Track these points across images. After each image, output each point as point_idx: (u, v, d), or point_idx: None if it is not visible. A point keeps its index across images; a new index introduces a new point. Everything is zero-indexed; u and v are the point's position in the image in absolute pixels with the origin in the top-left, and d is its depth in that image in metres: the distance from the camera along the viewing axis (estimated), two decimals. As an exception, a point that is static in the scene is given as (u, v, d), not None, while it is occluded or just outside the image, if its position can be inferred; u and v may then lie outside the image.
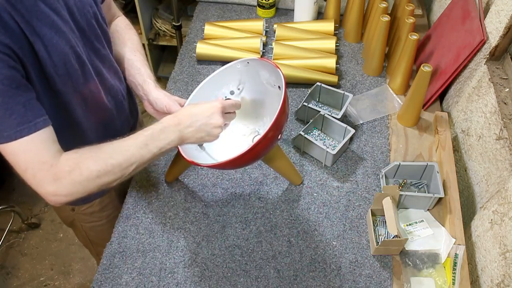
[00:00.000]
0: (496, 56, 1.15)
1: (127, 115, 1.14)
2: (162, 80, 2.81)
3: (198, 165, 0.94)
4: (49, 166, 0.78)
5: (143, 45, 2.45)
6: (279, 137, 0.94)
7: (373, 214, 1.08)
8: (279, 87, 0.99)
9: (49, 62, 0.80)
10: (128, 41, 1.09)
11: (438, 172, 1.11)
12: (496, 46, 1.14)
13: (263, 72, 1.02)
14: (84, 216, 1.19)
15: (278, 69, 0.94)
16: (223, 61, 1.47)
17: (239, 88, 1.07)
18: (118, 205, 1.21)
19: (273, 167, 1.11)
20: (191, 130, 0.88)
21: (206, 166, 0.93)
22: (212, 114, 0.88)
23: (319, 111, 1.24)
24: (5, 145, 0.75)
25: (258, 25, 1.53)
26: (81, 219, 1.20)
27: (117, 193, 1.22)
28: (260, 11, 1.65)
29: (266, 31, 1.56)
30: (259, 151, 0.91)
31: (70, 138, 0.87)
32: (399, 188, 1.10)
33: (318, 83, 1.32)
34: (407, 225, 1.09)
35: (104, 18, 0.97)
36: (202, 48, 1.45)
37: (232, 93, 1.07)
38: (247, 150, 0.87)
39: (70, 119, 0.92)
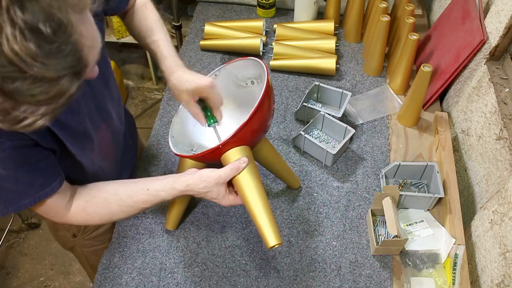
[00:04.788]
0: (496, 56, 1.15)
1: (129, 149, 1.15)
2: (162, 80, 2.81)
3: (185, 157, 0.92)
4: (62, 215, 0.87)
5: (143, 45, 2.45)
6: (267, 123, 0.90)
7: (373, 214, 1.08)
8: (252, 82, 1.00)
9: (67, 140, 0.82)
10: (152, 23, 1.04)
11: (438, 172, 1.11)
12: (496, 46, 1.14)
13: (234, 74, 1.01)
14: (86, 241, 1.18)
15: (245, 60, 0.95)
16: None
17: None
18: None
19: (271, 169, 1.10)
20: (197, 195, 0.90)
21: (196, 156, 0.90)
22: (207, 192, 0.88)
23: (319, 111, 1.24)
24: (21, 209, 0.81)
25: (258, 25, 1.53)
26: (83, 244, 1.19)
27: None
28: (260, 11, 1.65)
29: (266, 31, 1.55)
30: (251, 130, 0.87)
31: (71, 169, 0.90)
32: (399, 188, 1.10)
33: (316, 82, 1.32)
34: (407, 225, 1.09)
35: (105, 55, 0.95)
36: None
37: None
38: (235, 132, 0.84)
39: (75, 163, 0.93)
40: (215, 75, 1.02)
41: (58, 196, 0.82)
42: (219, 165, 0.89)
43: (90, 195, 0.88)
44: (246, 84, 1.02)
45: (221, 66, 1.02)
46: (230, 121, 1.02)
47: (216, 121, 0.97)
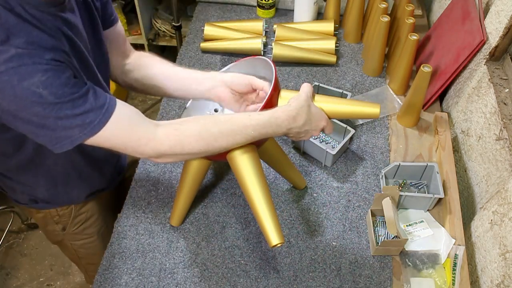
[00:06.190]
0: (496, 56, 1.15)
1: None
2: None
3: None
4: (147, 140, 0.78)
5: (143, 45, 2.46)
6: None
7: (373, 215, 1.08)
8: None
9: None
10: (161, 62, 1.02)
11: (438, 173, 1.11)
12: (496, 47, 1.14)
13: (243, 72, 1.01)
14: (74, 235, 1.18)
15: (253, 58, 0.96)
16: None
17: (221, 105, 1.05)
18: (107, 218, 1.21)
19: (277, 169, 1.10)
20: (298, 128, 0.87)
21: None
22: (322, 118, 0.90)
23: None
24: (98, 135, 0.75)
25: (258, 25, 1.53)
26: (71, 238, 1.19)
27: (105, 206, 1.21)
28: (260, 12, 1.65)
29: (266, 32, 1.55)
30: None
31: None
32: (399, 188, 1.10)
33: (316, 83, 1.32)
34: (407, 226, 1.09)
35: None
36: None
37: (216, 110, 1.06)
38: None
39: None
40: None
41: (125, 113, 0.76)
42: (224, 163, 0.89)
43: (179, 120, 0.83)
44: None
45: (230, 64, 1.02)
46: None
47: None
